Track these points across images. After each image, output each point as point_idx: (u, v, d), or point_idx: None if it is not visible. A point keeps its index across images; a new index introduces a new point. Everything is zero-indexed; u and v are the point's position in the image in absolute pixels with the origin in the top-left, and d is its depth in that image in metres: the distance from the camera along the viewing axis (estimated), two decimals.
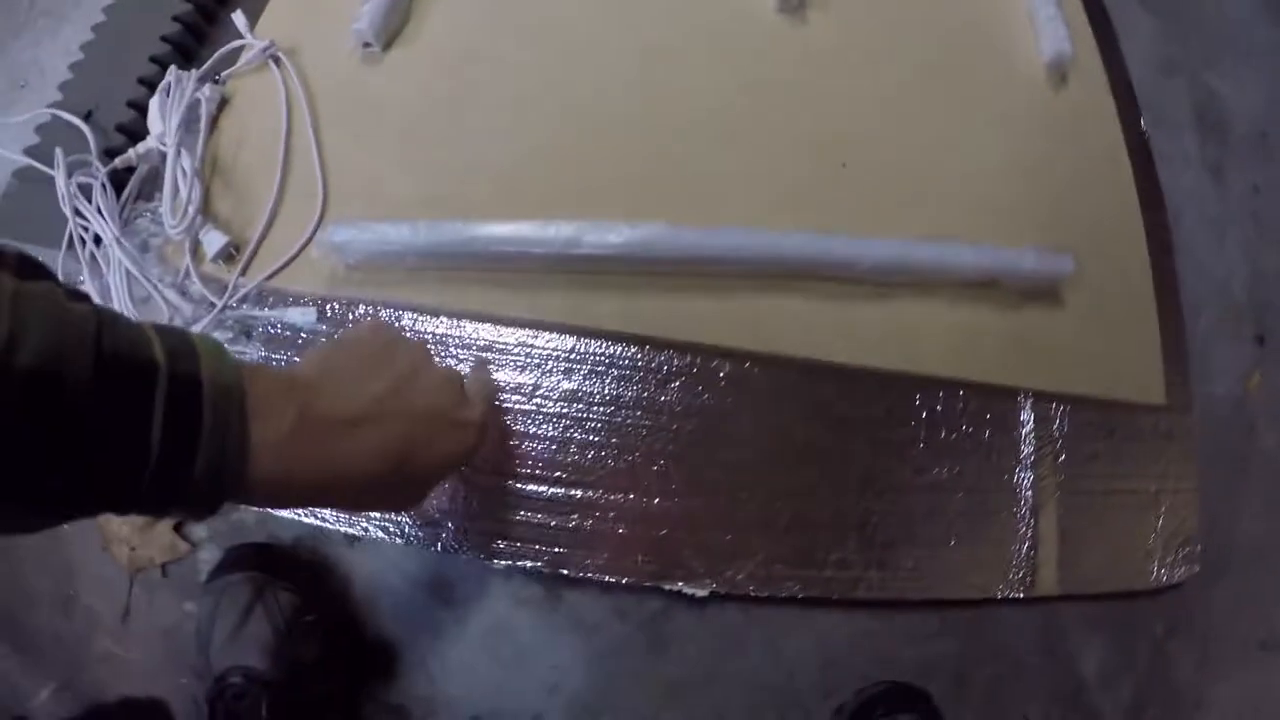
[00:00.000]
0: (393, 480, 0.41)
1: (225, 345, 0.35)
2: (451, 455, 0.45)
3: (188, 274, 0.64)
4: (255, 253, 0.64)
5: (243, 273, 0.64)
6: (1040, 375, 0.65)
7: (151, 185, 0.68)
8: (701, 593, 0.58)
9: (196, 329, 0.53)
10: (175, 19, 0.74)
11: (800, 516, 0.59)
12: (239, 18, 0.73)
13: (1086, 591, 0.64)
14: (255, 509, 0.63)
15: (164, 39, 0.73)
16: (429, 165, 0.65)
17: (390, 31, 0.71)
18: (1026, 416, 0.65)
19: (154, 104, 0.68)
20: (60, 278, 0.31)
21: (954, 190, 0.69)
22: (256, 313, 0.63)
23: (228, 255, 0.64)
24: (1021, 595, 0.62)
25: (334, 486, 0.39)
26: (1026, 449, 0.64)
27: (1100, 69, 0.83)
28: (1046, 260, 0.64)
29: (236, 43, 0.72)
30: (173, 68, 0.70)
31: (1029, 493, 0.63)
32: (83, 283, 0.64)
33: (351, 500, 0.44)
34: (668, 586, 0.58)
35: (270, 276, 0.63)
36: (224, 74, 0.71)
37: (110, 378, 0.29)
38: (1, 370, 0.26)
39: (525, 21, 0.72)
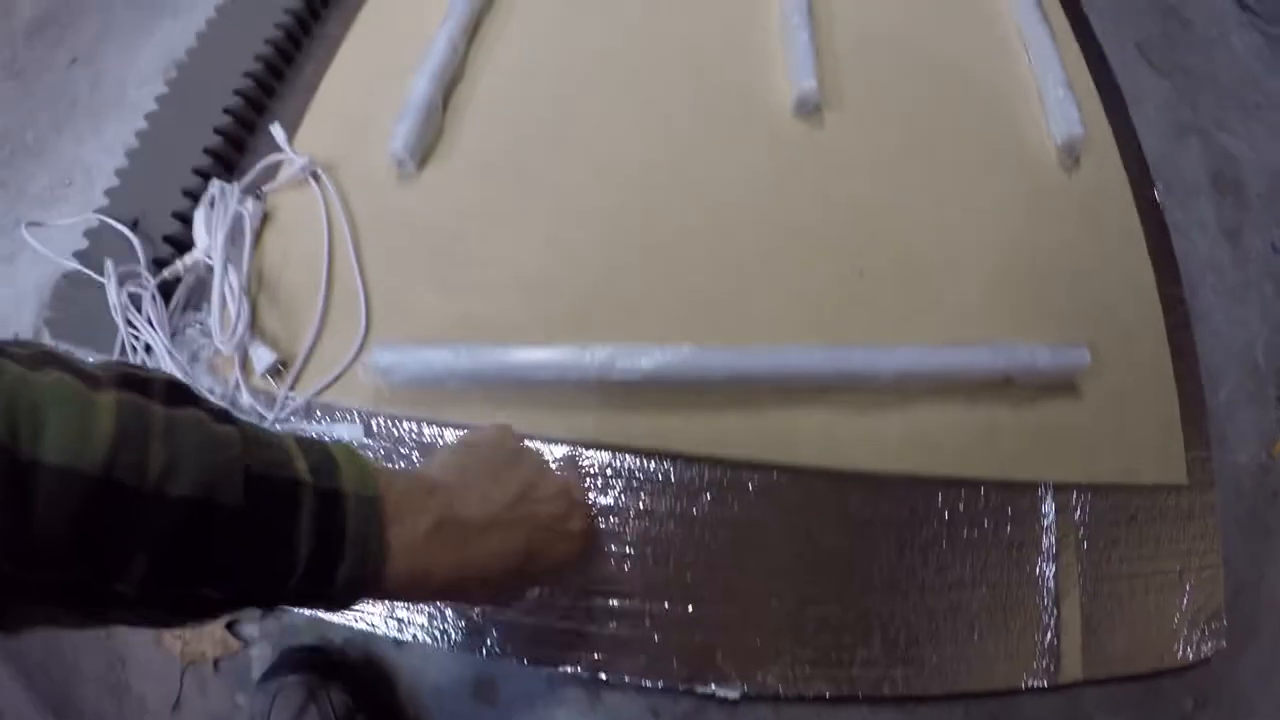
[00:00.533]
0: (511, 581, 0.44)
1: (359, 451, 0.38)
2: (565, 560, 0.49)
3: (238, 386, 0.67)
4: (303, 369, 0.67)
5: (291, 387, 0.67)
6: (1060, 466, 0.67)
7: (198, 295, 0.71)
8: (733, 695, 0.60)
9: None
10: (216, 130, 0.77)
11: (826, 619, 0.61)
12: (278, 131, 0.77)
13: (1112, 675, 0.64)
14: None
15: (206, 150, 0.77)
16: (464, 284, 0.68)
17: (425, 148, 0.74)
18: (1048, 508, 0.66)
19: (199, 216, 0.71)
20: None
21: (970, 287, 0.71)
22: (305, 425, 0.66)
23: (275, 370, 0.67)
24: (1045, 684, 0.63)
25: (462, 584, 0.41)
26: (1048, 540, 0.65)
27: (1112, 145, 0.84)
28: (1061, 355, 0.66)
29: (276, 157, 0.75)
30: (215, 180, 0.72)
31: (1051, 583, 0.64)
32: None
33: (474, 596, 0.48)
34: (700, 689, 0.60)
35: (318, 393, 0.66)
36: (265, 188, 0.74)
37: (260, 499, 0.31)
38: (160, 499, 0.28)
39: (552, 136, 0.76)
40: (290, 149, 0.76)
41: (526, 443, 0.55)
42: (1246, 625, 0.72)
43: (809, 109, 0.77)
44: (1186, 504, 0.68)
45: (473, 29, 0.84)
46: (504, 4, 0.87)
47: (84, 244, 0.73)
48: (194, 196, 0.74)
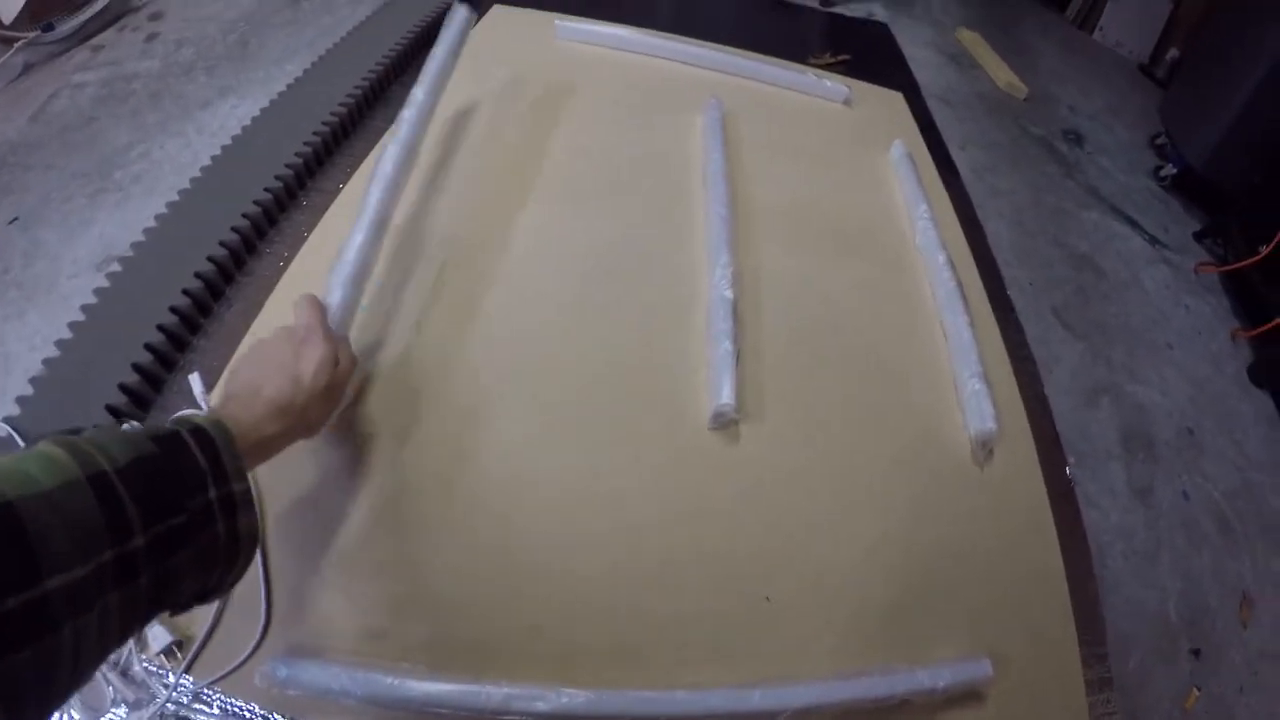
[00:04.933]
0: (297, 426, 0.60)
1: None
2: (330, 403, 0.64)
3: (130, 656, 0.63)
4: (198, 654, 0.64)
5: (186, 670, 0.63)
6: None
7: None
8: None
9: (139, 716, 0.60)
10: (135, 367, 0.75)
11: None
12: (195, 382, 0.75)
13: None
14: None
15: (121, 386, 0.74)
16: (368, 596, 0.65)
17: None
18: None
19: None
20: None
21: (877, 606, 0.70)
22: (200, 709, 0.62)
23: (170, 651, 0.64)
24: None
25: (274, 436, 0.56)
26: None
27: (1026, 432, 0.87)
28: (963, 672, 0.66)
29: (190, 413, 0.73)
30: (125, 426, 0.70)
31: None
32: None
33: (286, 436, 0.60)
34: None
35: (211, 683, 0.63)
36: None
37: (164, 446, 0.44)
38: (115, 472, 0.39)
39: (462, 443, 0.74)
40: (206, 404, 0.74)
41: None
42: None
43: (724, 423, 0.77)
44: None
45: (390, 305, 0.83)
46: (427, 290, 0.86)
47: None
48: None
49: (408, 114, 0.87)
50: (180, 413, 0.68)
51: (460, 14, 0.99)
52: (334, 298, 0.72)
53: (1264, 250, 2.19)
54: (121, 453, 0.39)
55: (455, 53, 0.95)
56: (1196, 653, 0.98)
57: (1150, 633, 0.93)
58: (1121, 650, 0.80)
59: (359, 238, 0.76)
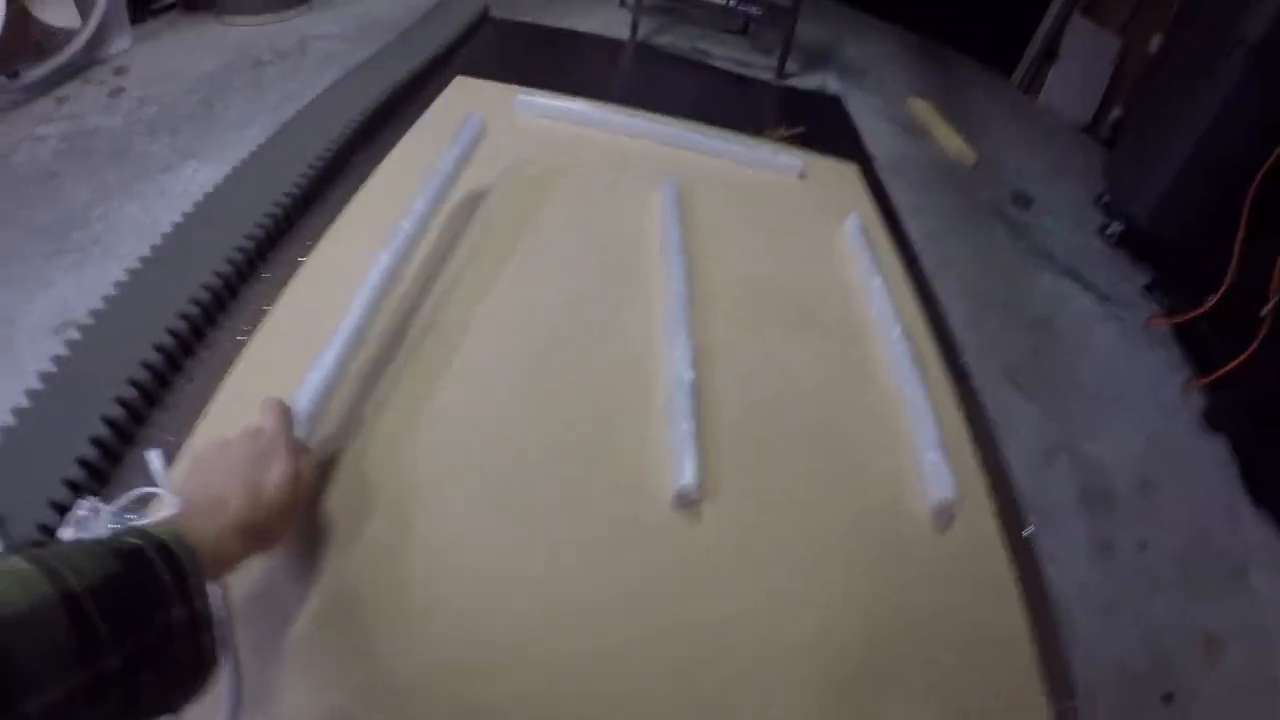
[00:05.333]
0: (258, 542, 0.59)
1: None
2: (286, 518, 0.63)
3: None
4: None
5: None
6: None
7: None
8: None
9: None
10: (92, 440, 0.73)
11: None
12: (154, 459, 0.73)
13: None
14: None
15: (79, 460, 0.72)
16: (335, 685, 0.64)
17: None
18: None
19: (65, 537, 0.66)
20: None
21: (844, 674, 0.69)
22: None
23: None
24: None
25: (235, 551, 0.56)
26: None
27: (985, 497, 0.88)
28: None
29: (149, 490, 0.71)
30: (84, 500, 0.67)
31: None
32: None
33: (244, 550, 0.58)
34: None
35: None
36: (137, 520, 0.70)
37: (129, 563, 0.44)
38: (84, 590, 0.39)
39: (422, 529, 0.72)
40: (166, 482, 0.72)
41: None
42: None
43: (687, 503, 0.77)
44: None
45: (343, 381, 0.80)
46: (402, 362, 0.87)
47: None
48: (62, 510, 0.68)
49: (405, 225, 0.90)
50: (140, 521, 0.66)
51: (474, 123, 1.03)
52: (301, 406, 0.72)
53: (1210, 300, 2.27)
54: (91, 570, 0.39)
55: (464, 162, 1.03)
56: (1169, 698, 0.99)
57: (1120, 683, 0.94)
58: (1092, 702, 0.80)
59: (333, 352, 0.77)
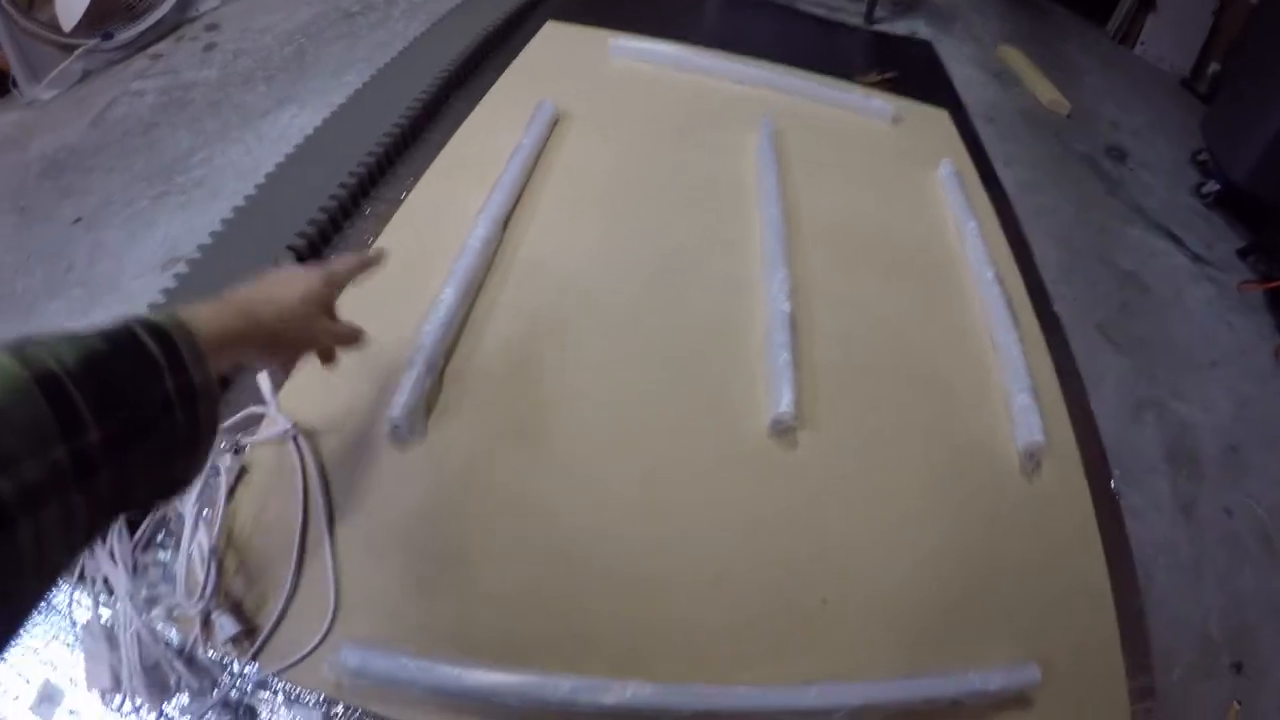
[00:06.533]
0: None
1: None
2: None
3: (196, 643, 0.66)
4: (265, 642, 0.66)
5: (253, 658, 0.66)
6: None
7: (163, 530, 0.71)
8: None
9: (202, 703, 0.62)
10: None
11: None
12: (264, 380, 0.78)
13: None
14: None
15: None
16: (435, 588, 0.68)
17: (418, 425, 0.76)
18: None
19: None
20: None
21: (929, 612, 0.72)
22: (264, 696, 0.65)
23: (236, 640, 0.66)
24: None
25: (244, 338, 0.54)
26: None
27: (1073, 445, 0.88)
28: (1012, 676, 0.67)
29: (258, 409, 0.76)
30: None
31: None
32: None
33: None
34: None
35: (279, 672, 0.65)
36: (244, 442, 0.75)
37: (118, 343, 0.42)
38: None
39: (532, 448, 0.77)
40: (275, 403, 0.77)
41: None
42: None
43: (783, 430, 0.80)
44: None
45: (466, 312, 0.87)
46: (491, 301, 0.90)
47: None
48: None
49: (508, 167, 0.97)
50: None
51: (548, 109, 1.10)
52: (426, 339, 0.79)
53: None
54: (71, 353, 0.39)
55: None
56: (1238, 667, 0.98)
57: (1192, 647, 0.93)
58: (1163, 663, 0.80)
59: (452, 289, 0.84)
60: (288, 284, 0.62)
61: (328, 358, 0.67)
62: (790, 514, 0.76)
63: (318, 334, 0.64)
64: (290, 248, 0.89)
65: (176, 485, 0.47)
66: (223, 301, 0.55)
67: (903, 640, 0.70)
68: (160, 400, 0.43)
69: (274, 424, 0.75)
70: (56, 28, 2.29)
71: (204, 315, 0.51)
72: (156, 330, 0.44)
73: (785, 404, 0.78)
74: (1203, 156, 2.87)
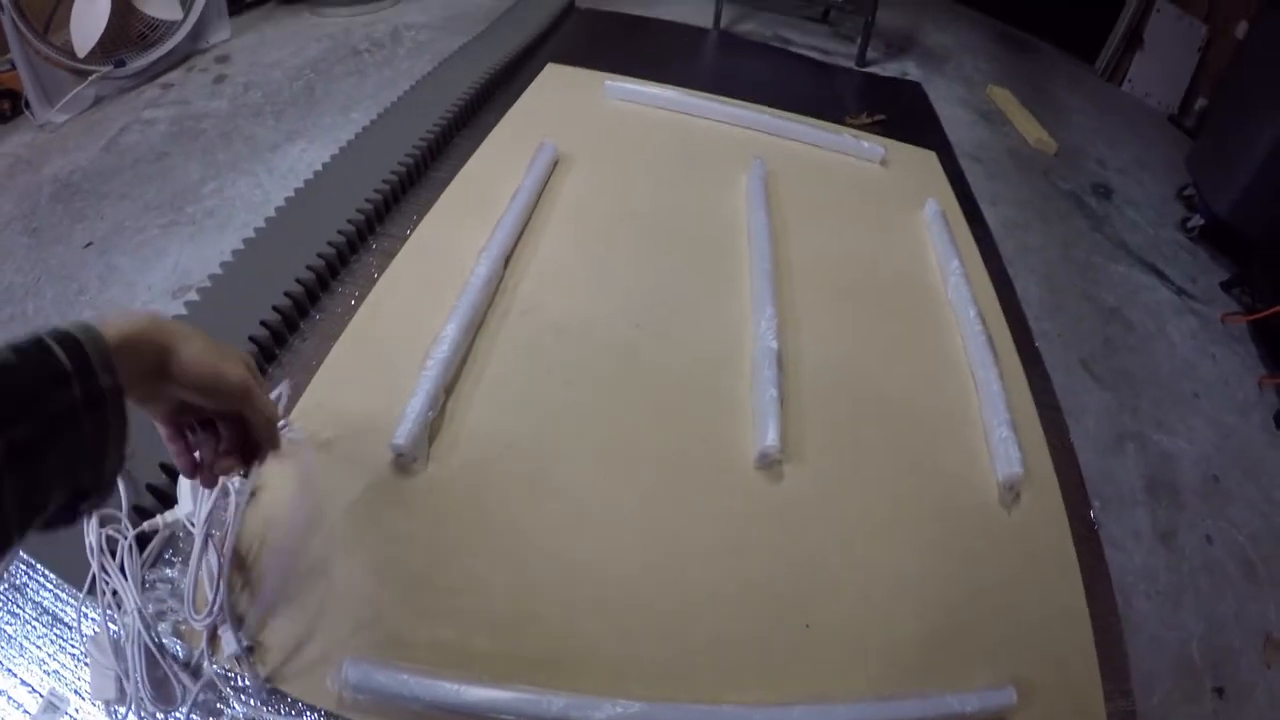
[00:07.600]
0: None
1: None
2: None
3: (202, 657, 0.67)
4: (270, 657, 0.68)
5: (257, 672, 0.68)
6: None
7: (173, 548, 0.72)
8: None
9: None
10: None
11: None
12: (283, 389, 0.79)
13: None
14: None
15: None
16: (435, 609, 0.71)
17: (422, 450, 0.80)
18: None
19: (184, 481, 0.73)
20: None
21: (909, 636, 0.75)
22: (268, 709, 0.67)
23: (241, 656, 0.68)
24: None
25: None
26: None
27: (1052, 477, 0.91)
28: (989, 699, 0.69)
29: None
30: None
31: None
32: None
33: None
34: None
35: (283, 685, 0.67)
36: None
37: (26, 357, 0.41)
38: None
39: (531, 475, 0.81)
40: (287, 424, 0.80)
41: None
42: None
43: (769, 463, 0.83)
44: None
45: (468, 348, 0.91)
46: (494, 332, 0.94)
47: None
48: None
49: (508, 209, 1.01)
50: None
51: (549, 150, 1.14)
52: (428, 378, 0.82)
53: None
54: None
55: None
56: (1220, 691, 1.00)
57: (1174, 672, 0.95)
58: (1145, 688, 0.83)
59: (454, 324, 0.88)
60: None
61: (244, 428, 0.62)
62: (776, 542, 0.79)
63: (248, 378, 0.61)
64: (294, 283, 0.93)
65: (86, 495, 0.47)
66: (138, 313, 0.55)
67: (884, 663, 0.73)
68: (66, 409, 0.43)
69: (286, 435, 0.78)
70: (71, 53, 2.35)
71: (114, 318, 0.51)
72: (66, 338, 0.44)
73: (771, 438, 0.82)
74: (1188, 191, 2.92)
